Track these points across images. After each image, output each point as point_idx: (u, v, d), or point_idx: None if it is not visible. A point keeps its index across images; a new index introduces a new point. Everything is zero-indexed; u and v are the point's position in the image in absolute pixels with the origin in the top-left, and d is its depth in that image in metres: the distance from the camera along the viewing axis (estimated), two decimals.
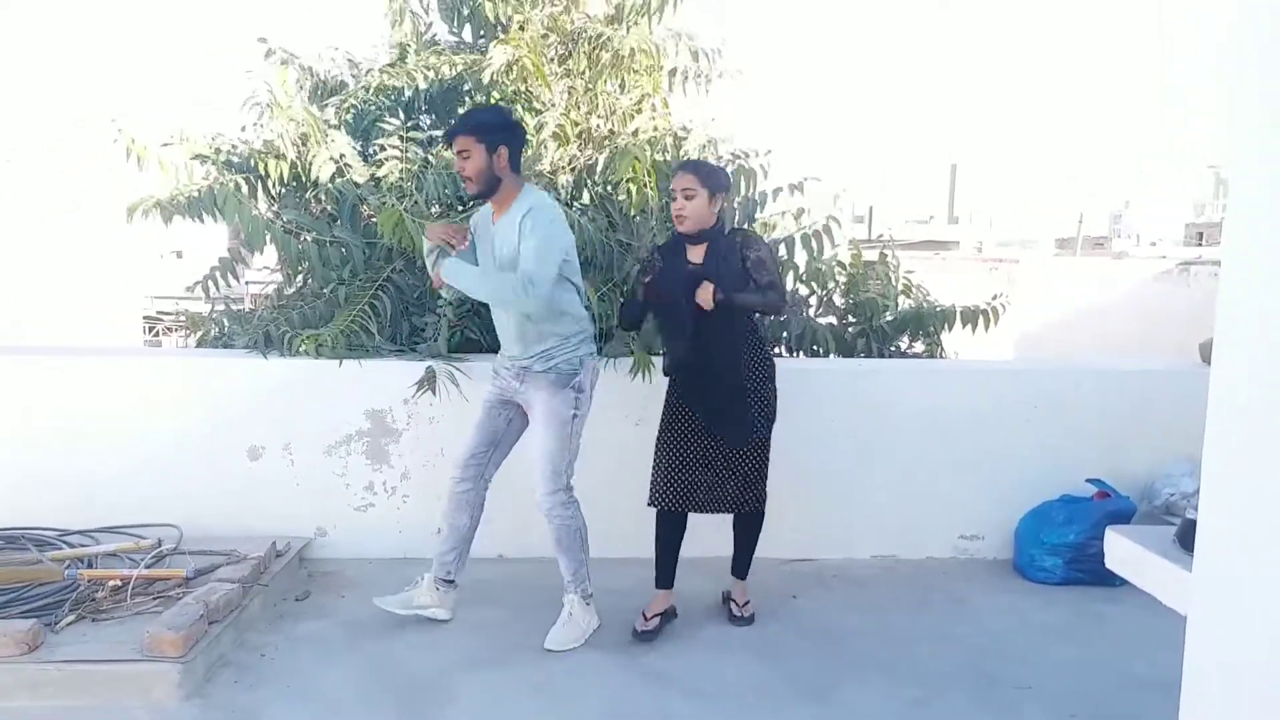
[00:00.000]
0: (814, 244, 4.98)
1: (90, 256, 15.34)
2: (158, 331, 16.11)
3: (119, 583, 3.39)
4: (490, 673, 3.31)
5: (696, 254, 3.56)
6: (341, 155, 4.73)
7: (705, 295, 3.41)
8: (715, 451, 3.56)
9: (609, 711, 3.07)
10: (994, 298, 5.15)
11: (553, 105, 5.03)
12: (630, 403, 4.17)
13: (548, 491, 3.46)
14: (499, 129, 3.34)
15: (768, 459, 3.63)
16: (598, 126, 5.10)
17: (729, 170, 4.83)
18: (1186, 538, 2.14)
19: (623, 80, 5.24)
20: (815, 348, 4.99)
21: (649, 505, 3.64)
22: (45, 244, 14.51)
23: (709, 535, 3.82)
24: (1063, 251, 26.50)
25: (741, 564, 3.78)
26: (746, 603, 3.77)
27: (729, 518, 3.71)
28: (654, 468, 3.64)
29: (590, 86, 5.16)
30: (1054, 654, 3.52)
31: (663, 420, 3.64)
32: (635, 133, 4.95)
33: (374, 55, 5.65)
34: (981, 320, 5.09)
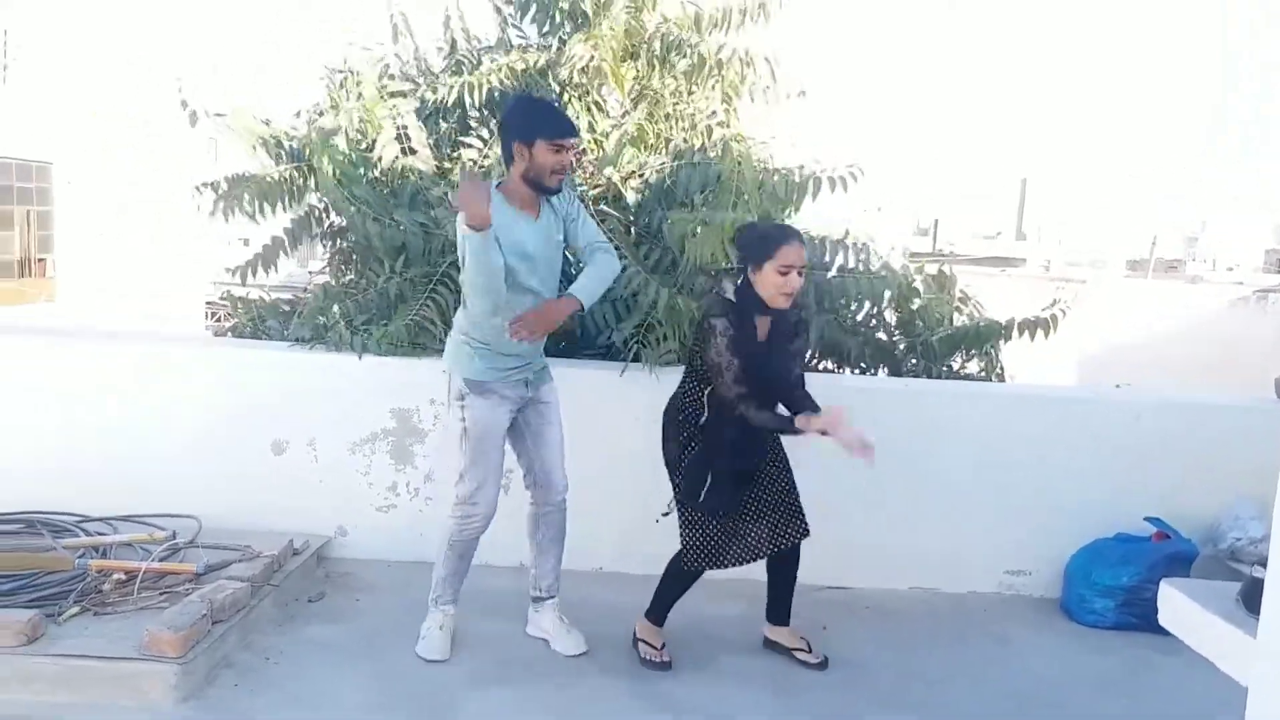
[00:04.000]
0: (859, 254, 4.73)
1: (163, 241, 15.72)
2: (219, 317, 16.38)
3: (124, 576, 3.32)
4: (501, 690, 3.18)
5: (763, 328, 3.22)
6: (408, 137, 4.62)
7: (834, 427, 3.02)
8: (763, 486, 3.33)
9: None
10: (1052, 303, 4.86)
11: (624, 108, 4.91)
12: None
13: (566, 485, 3.46)
14: None
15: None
16: (677, 136, 4.93)
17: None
18: (1252, 598, 1.91)
19: (692, 89, 5.08)
20: (863, 365, 4.79)
21: (691, 569, 3.30)
22: (123, 229, 14.92)
23: None
24: (1134, 273, 25.73)
25: (787, 607, 3.52)
26: (810, 647, 3.49)
27: None
28: (695, 532, 3.25)
29: (675, 94, 5.01)
30: (1099, 706, 3.29)
31: (715, 477, 3.21)
32: (723, 148, 4.76)
33: (427, 50, 5.56)
34: (1041, 330, 4.82)
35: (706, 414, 3.23)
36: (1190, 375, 11.21)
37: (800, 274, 3.14)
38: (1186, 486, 4.21)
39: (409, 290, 4.34)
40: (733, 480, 3.23)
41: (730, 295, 3.22)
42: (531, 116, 3.20)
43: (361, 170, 4.73)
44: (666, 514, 3.33)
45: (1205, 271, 27.79)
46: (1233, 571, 3.99)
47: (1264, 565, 1.95)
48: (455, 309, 4.04)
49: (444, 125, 4.93)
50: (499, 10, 5.36)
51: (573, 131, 3.19)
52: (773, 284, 3.12)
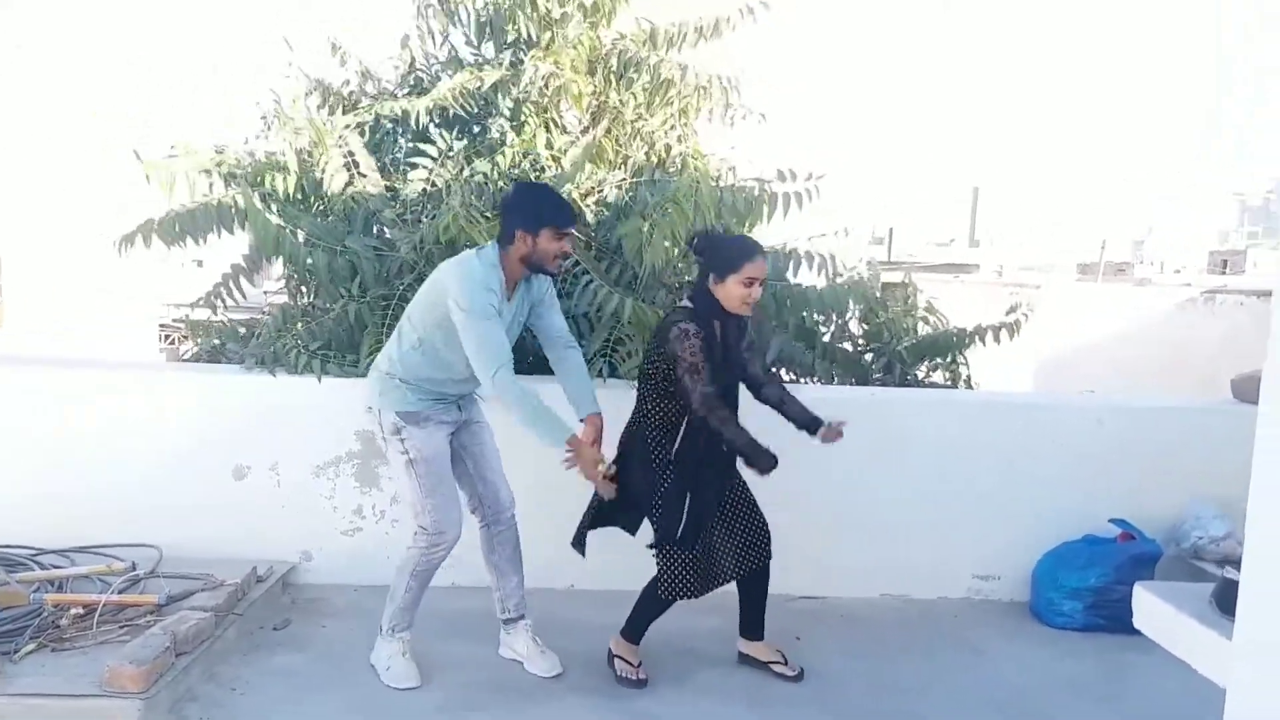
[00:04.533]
0: (828, 264, 4.76)
1: (112, 265, 15.37)
2: (173, 340, 16.08)
3: (83, 610, 3.23)
4: (473, 715, 3.12)
5: (718, 332, 3.24)
6: (356, 164, 4.58)
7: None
8: (729, 510, 3.32)
9: None
10: (1013, 309, 4.93)
11: (582, 124, 4.90)
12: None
13: (513, 500, 3.47)
14: None
15: None
16: (636, 153, 4.92)
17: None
18: (1226, 600, 1.92)
19: (650, 106, 5.08)
20: (834, 376, 4.80)
21: (672, 599, 3.27)
22: (69, 253, 14.57)
23: None
24: (1085, 277, 26.16)
25: (760, 621, 3.52)
26: (786, 659, 3.48)
27: None
28: (673, 563, 3.21)
29: (634, 111, 5.00)
30: (1077, 711, 3.30)
31: (690, 510, 3.19)
32: (682, 165, 4.77)
33: (384, 70, 5.52)
34: (1005, 334, 4.88)
35: (680, 443, 3.19)
36: (1143, 377, 11.39)
37: (761, 285, 3.19)
38: (1149, 488, 4.27)
39: (367, 314, 4.28)
40: (707, 509, 3.23)
41: (688, 303, 3.23)
42: (540, 205, 3.19)
43: (306, 205, 4.70)
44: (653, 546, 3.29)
45: (1153, 274, 28.34)
46: (1196, 570, 4.04)
47: (1231, 565, 1.98)
48: None
49: (401, 143, 4.90)
50: (453, 27, 5.33)
51: (576, 220, 3.27)
52: (737, 295, 3.16)
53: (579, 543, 3.37)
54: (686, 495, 3.18)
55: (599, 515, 3.35)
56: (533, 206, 3.17)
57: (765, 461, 3.06)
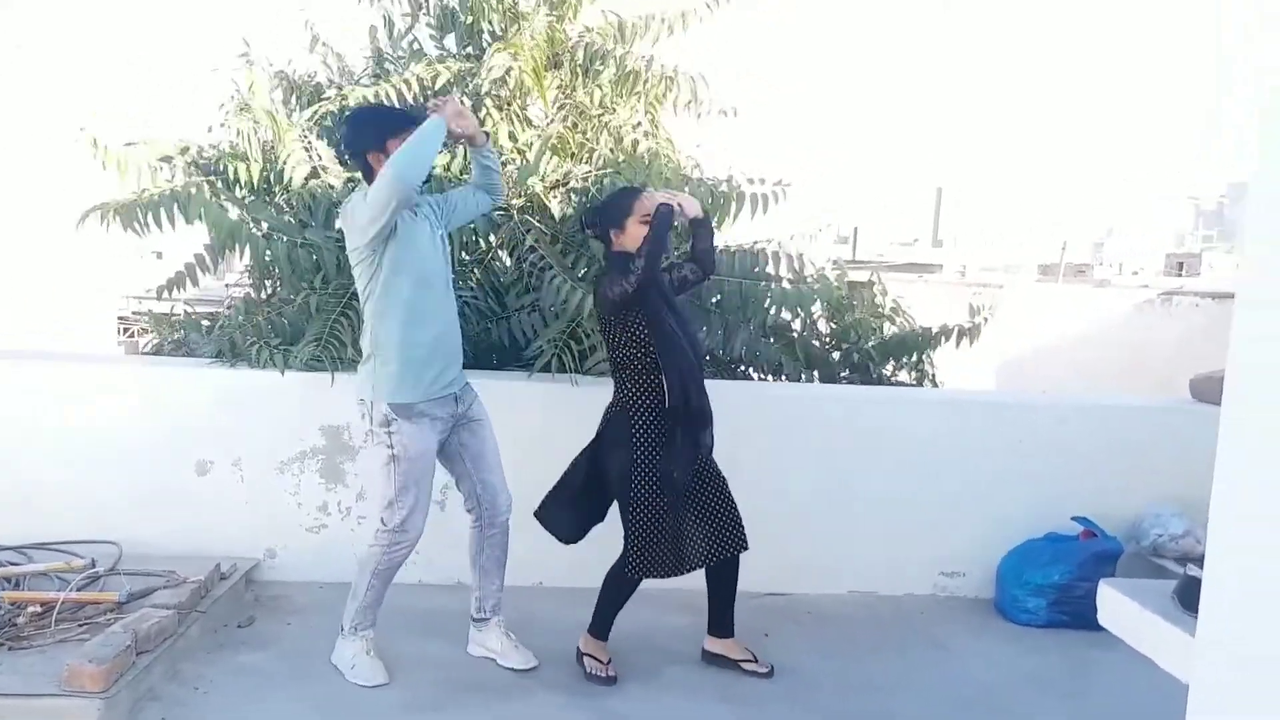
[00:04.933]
0: (792, 260, 4.78)
1: (68, 257, 15.08)
2: (132, 333, 15.81)
3: (40, 608, 3.16)
4: (440, 713, 3.10)
5: None
6: (319, 156, 4.53)
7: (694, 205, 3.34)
8: (702, 495, 3.32)
9: None
10: (976, 312, 5.00)
11: (548, 119, 4.87)
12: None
13: (510, 503, 3.41)
14: None
15: None
16: (602, 146, 4.90)
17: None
18: (1188, 596, 1.95)
19: (616, 99, 5.07)
20: (803, 373, 4.83)
21: (636, 577, 3.26)
22: (21, 244, 14.25)
23: None
24: (1045, 278, 26.53)
25: (729, 618, 3.50)
26: (756, 657, 3.48)
27: None
28: (644, 540, 3.20)
29: (600, 104, 4.98)
30: (1043, 708, 3.33)
31: (651, 487, 3.18)
32: (649, 159, 4.76)
33: (352, 63, 5.49)
34: (966, 337, 4.94)
35: (669, 398, 3.19)
36: (1102, 378, 11.57)
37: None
38: (1110, 486, 4.33)
39: (327, 305, 4.24)
40: (680, 482, 3.23)
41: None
42: (374, 124, 3.23)
43: (270, 195, 4.65)
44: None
45: (1112, 275, 28.79)
46: (1156, 567, 4.11)
47: (1191, 562, 2.02)
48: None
49: None
50: (417, 21, 5.31)
51: (413, 118, 3.22)
52: (640, 235, 3.23)
53: (549, 522, 3.39)
54: (675, 432, 3.20)
55: (564, 498, 3.35)
56: (370, 129, 3.19)
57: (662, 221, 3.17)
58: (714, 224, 4.64)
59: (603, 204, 3.44)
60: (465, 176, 4.36)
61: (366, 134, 3.18)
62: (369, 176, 3.16)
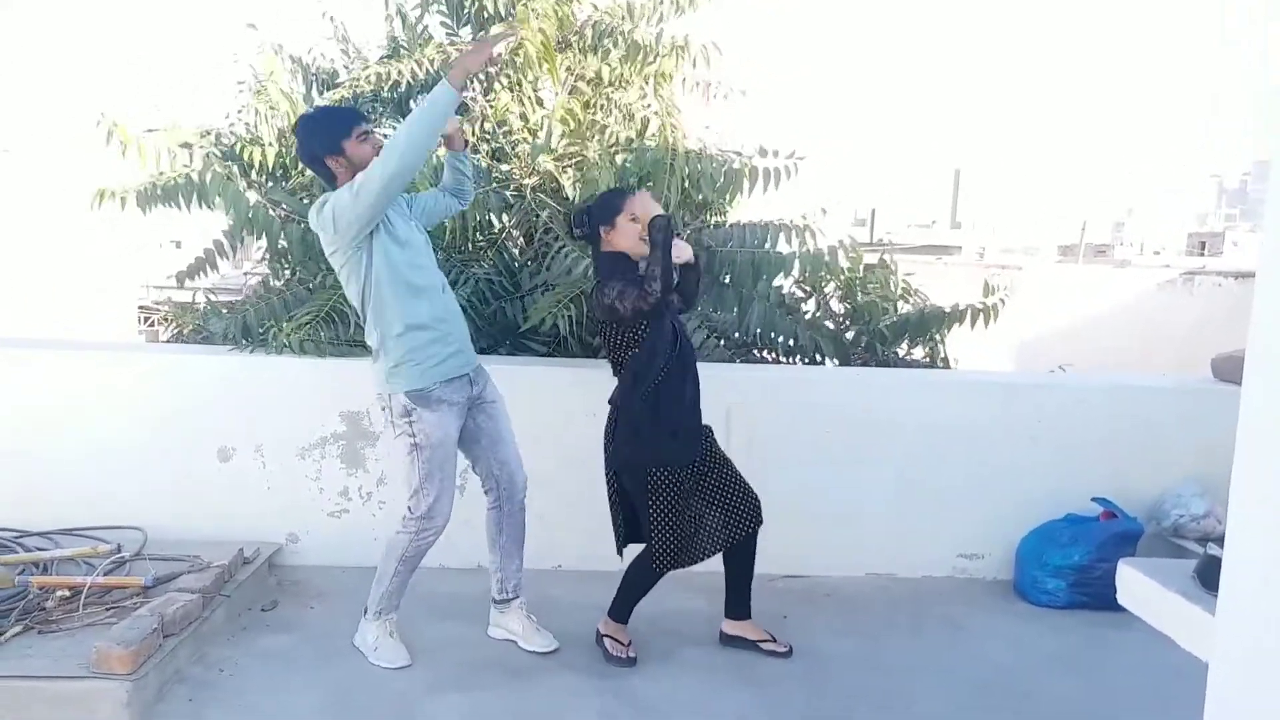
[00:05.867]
0: (802, 238, 4.76)
1: (89, 247, 15.20)
2: (153, 322, 15.93)
3: (68, 592, 3.21)
4: (462, 694, 3.13)
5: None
6: None
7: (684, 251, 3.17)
8: (710, 479, 3.32)
9: None
10: (992, 291, 4.95)
11: (559, 97, 4.88)
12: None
13: (526, 483, 3.45)
14: None
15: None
16: (613, 124, 4.89)
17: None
18: (1208, 575, 1.94)
19: (622, 74, 5.06)
20: (818, 355, 4.82)
21: (662, 571, 3.29)
22: (46, 235, 14.37)
23: None
24: (1065, 259, 26.34)
25: (747, 599, 3.52)
26: (775, 638, 3.51)
27: None
28: (666, 532, 3.21)
29: (611, 82, 4.98)
30: (1062, 688, 3.32)
31: (665, 477, 3.19)
32: (660, 137, 4.75)
33: (367, 52, 5.53)
34: (981, 317, 4.91)
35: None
36: (1122, 357, 11.49)
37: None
38: (1130, 466, 4.31)
39: (330, 286, 4.27)
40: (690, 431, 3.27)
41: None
42: (325, 125, 3.18)
43: (287, 179, 4.68)
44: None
45: (1133, 255, 28.56)
46: (1177, 548, 4.09)
47: (1212, 542, 2.01)
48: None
49: (376, 114, 4.90)
50: (426, 10, 5.33)
51: (364, 115, 3.24)
52: (632, 233, 3.19)
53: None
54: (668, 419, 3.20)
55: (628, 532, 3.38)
56: (321, 132, 3.15)
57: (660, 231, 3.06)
58: (726, 207, 4.65)
59: (592, 204, 3.38)
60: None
61: (318, 138, 3.14)
62: (331, 181, 3.16)
